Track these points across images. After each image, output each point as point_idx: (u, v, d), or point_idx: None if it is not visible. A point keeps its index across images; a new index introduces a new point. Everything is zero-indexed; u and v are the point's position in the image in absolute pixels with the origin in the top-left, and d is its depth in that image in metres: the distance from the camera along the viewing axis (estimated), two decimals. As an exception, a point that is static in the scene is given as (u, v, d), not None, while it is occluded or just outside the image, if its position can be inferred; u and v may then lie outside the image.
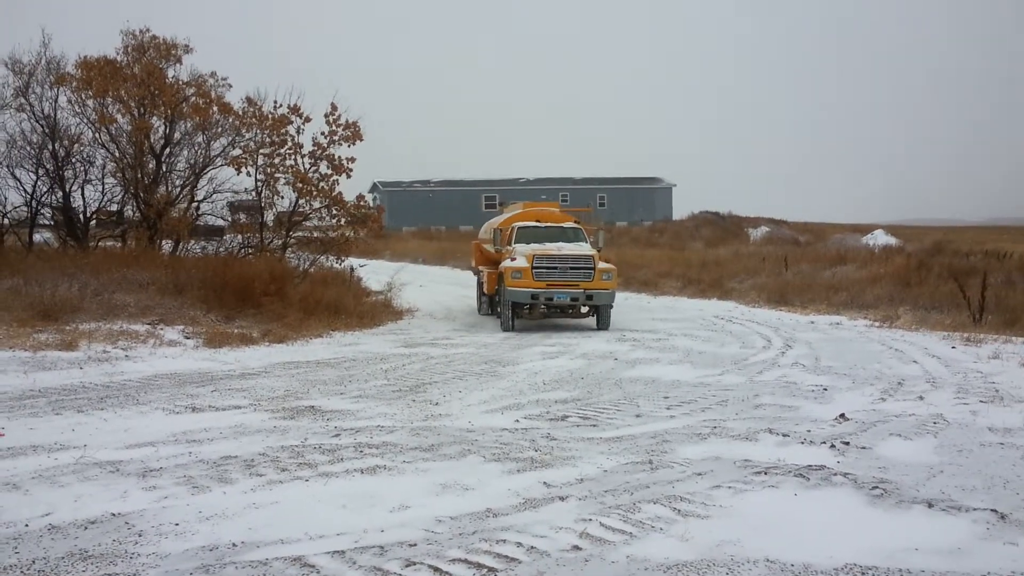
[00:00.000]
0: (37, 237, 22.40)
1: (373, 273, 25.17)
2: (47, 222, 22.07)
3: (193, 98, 20.31)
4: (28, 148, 20.71)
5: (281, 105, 20.72)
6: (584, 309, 18.40)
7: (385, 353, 13.87)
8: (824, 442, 7.78)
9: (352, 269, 22.36)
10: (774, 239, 48.11)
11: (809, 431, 8.29)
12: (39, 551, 4.89)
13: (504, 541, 5.25)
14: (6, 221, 21.54)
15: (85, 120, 19.92)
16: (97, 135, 19.88)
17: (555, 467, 6.98)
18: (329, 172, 21.33)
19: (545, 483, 6.51)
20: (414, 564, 4.87)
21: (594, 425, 8.70)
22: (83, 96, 19.39)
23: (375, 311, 19.90)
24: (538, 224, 19.43)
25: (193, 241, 21.83)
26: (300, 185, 20.92)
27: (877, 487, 6.31)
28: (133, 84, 19.41)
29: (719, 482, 6.57)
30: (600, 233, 19.44)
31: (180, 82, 20.46)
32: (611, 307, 18.14)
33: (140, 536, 5.19)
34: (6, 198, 21.35)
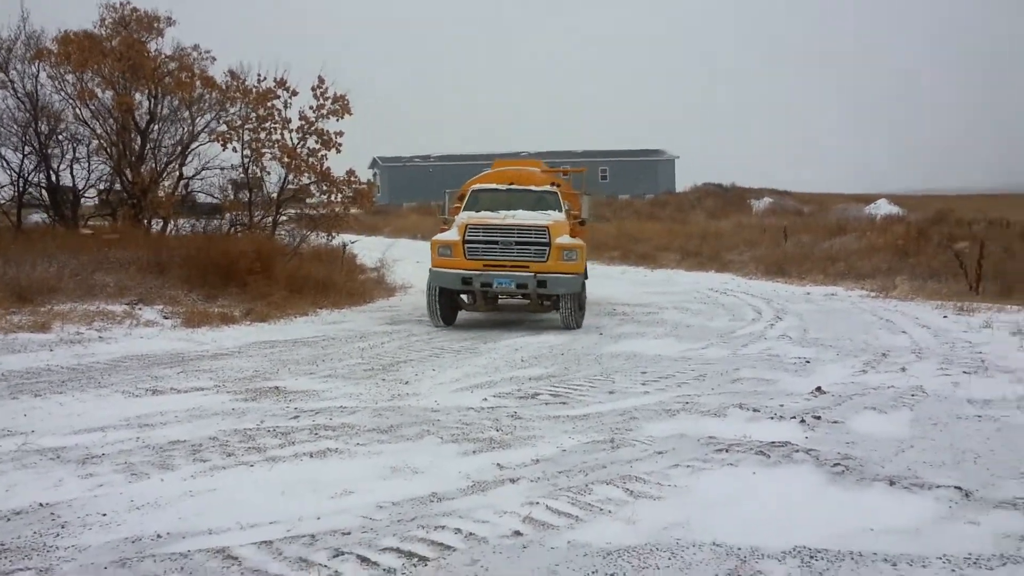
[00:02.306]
0: (35, 217, 22.22)
1: (368, 250, 24.94)
2: (35, 202, 21.83)
3: (175, 72, 19.98)
4: (13, 126, 20.47)
5: (265, 78, 20.41)
6: (545, 301, 14.26)
7: (367, 331, 13.66)
8: (795, 417, 7.55)
9: (345, 246, 22.12)
10: (777, 210, 47.66)
11: (782, 405, 8.06)
12: (-46, 545, 4.70)
13: (443, 528, 5.04)
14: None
15: (66, 96, 19.64)
16: (79, 112, 19.60)
17: (513, 448, 6.77)
18: (318, 147, 21.04)
19: (499, 464, 6.30)
20: (342, 554, 4.66)
21: (564, 403, 8.48)
22: (63, 71, 19.09)
23: (366, 288, 19.69)
24: (497, 187, 15.20)
25: (184, 220, 21.60)
26: (288, 160, 20.65)
27: (839, 464, 6.08)
28: (114, 58, 19.09)
29: (678, 461, 6.34)
30: (585, 199, 15.74)
31: (162, 56, 20.15)
32: (578, 296, 13.81)
33: (63, 528, 5.00)
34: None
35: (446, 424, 7.51)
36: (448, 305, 14.25)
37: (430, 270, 13.87)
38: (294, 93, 20.76)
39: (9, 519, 5.12)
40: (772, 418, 7.55)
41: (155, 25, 20.63)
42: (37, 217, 22.28)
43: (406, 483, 5.89)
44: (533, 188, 15.16)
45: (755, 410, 7.84)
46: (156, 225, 20.95)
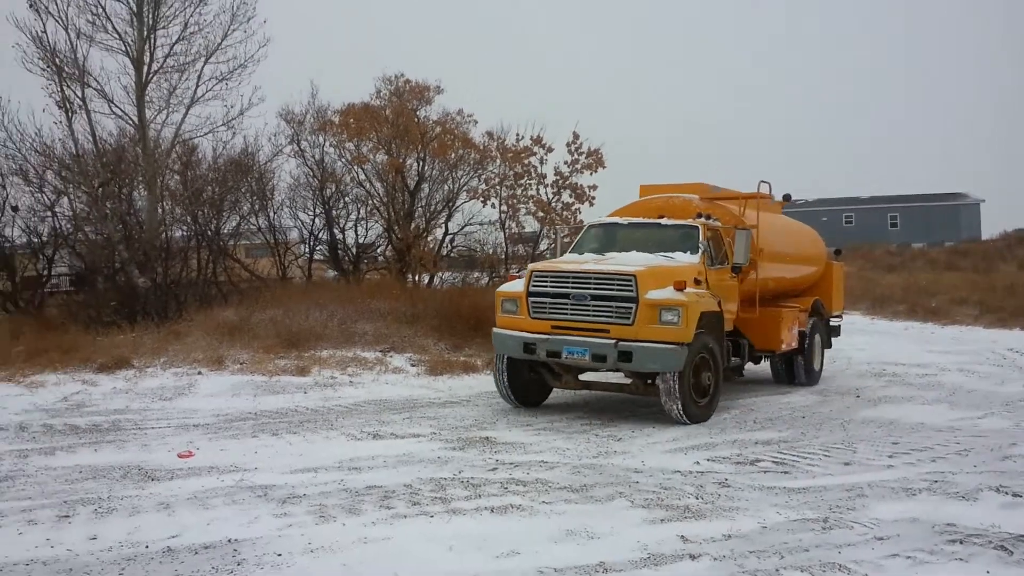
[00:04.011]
0: (331, 273, 24.58)
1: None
2: (320, 257, 24.08)
3: (440, 135, 21.24)
4: (306, 191, 22.84)
5: (522, 137, 21.11)
6: (649, 381, 10.20)
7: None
8: (1064, 507, 6.23)
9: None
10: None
11: (1054, 491, 6.70)
12: (142, 573, 5.04)
13: (598, 602, 4.63)
14: (291, 256, 23.82)
15: (345, 163, 21.55)
16: (355, 175, 21.43)
17: (708, 519, 6.18)
18: (572, 201, 21.35)
19: (683, 537, 5.75)
20: (483, 620, 4.41)
21: (785, 472, 7.68)
22: (343, 140, 20.99)
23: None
24: (617, 221, 11.70)
25: (448, 273, 22.78)
26: (542, 215, 21.13)
27: (1106, 572, 4.87)
28: (386, 126, 20.69)
29: (899, 550, 5.43)
30: (741, 236, 10.86)
31: (429, 121, 21.51)
32: (676, 374, 9.60)
33: (239, 565, 5.20)
34: (287, 236, 23.61)
35: (643, 487, 7.04)
36: (522, 378, 10.85)
37: (493, 330, 10.72)
38: (550, 149, 21.28)
39: (197, 552, 5.43)
40: (1035, 505, 6.29)
41: (425, 94, 22.10)
42: (331, 273, 24.57)
43: (577, 548, 5.54)
44: (664, 222, 11.22)
45: (1016, 495, 6.59)
46: (422, 278, 22.24)
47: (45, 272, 20.33)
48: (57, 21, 18.34)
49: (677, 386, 9.67)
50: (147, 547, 5.48)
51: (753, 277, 11.65)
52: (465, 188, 21.89)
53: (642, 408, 11.05)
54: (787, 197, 13.71)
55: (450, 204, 22.38)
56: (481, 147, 21.12)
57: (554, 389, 11.34)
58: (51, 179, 19.73)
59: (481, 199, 21.46)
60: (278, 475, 7.37)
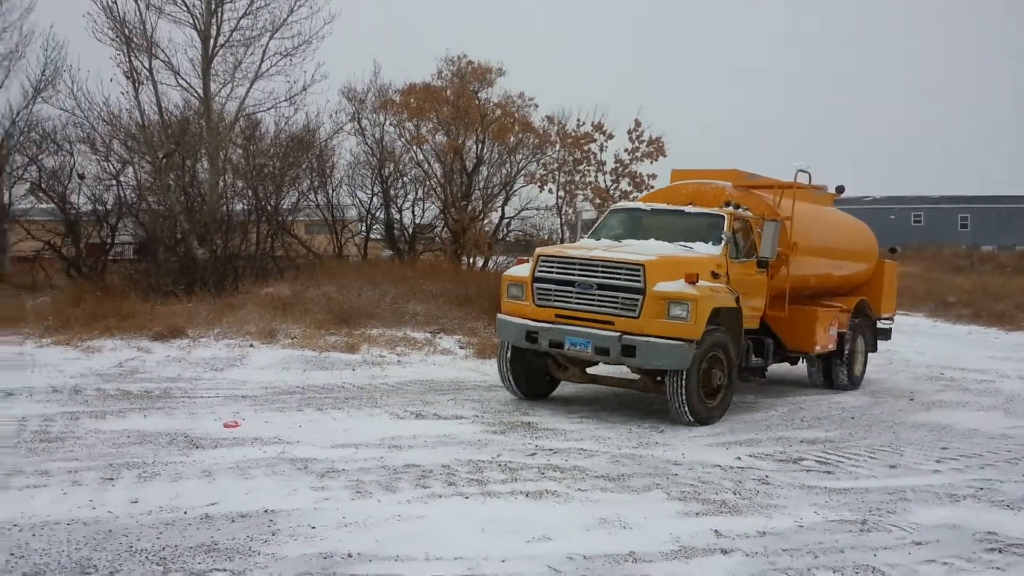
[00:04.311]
0: (387, 252, 24.82)
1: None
2: (376, 236, 24.30)
3: (500, 118, 21.22)
4: (365, 170, 23.05)
5: (584, 122, 21.00)
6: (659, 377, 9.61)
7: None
8: (1116, 523, 6.02)
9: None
10: None
11: (1107, 506, 6.48)
12: (178, 539, 5.17)
13: (624, 592, 4.62)
14: (348, 234, 24.08)
15: (405, 142, 21.68)
16: (414, 155, 21.55)
17: (743, 515, 6.11)
18: (630, 189, 21.18)
19: (717, 531, 5.70)
20: (507, 603, 4.43)
21: (828, 472, 7.55)
22: (402, 119, 21.10)
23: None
24: (641, 207, 11.06)
25: (503, 256, 22.81)
26: (599, 202, 21.00)
27: None
28: (447, 106, 20.74)
29: (936, 556, 5.32)
30: (770, 227, 10.13)
31: (490, 103, 21.50)
32: (684, 373, 9.03)
33: (273, 535, 5.30)
34: (344, 214, 23.87)
35: (681, 480, 6.99)
36: (528, 368, 10.31)
37: (498, 316, 10.27)
38: (610, 136, 21.11)
39: (234, 520, 5.55)
40: (1085, 519, 6.09)
41: (487, 76, 22.07)
42: (388, 251, 24.80)
43: (608, 537, 5.53)
44: (688, 210, 10.52)
45: (1065, 507, 6.38)
46: (477, 261, 22.30)
47: (108, 240, 20.91)
48: (127, -9, 18.74)
49: (684, 385, 9.07)
50: (185, 513, 5.62)
51: (784, 273, 10.90)
52: (523, 172, 21.88)
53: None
54: (840, 189, 13.20)
55: (507, 188, 22.40)
56: (541, 131, 21.07)
57: (562, 381, 10.68)
58: (117, 148, 20.29)
59: (539, 184, 21.43)
60: (319, 449, 7.48)
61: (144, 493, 5.96)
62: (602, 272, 9.29)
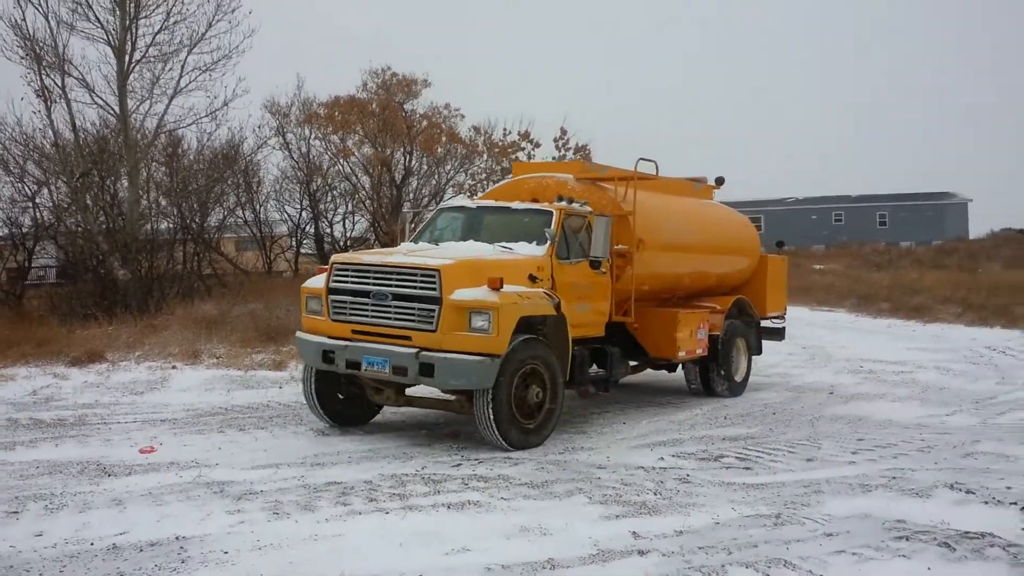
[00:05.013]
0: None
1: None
2: (307, 251, 24.07)
3: (427, 129, 21.24)
4: (293, 184, 22.83)
5: (511, 132, 21.15)
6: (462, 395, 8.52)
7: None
8: (1016, 503, 6.25)
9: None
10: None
11: (1009, 488, 6.73)
12: (83, 571, 5.02)
13: (540, 599, 4.63)
14: (278, 249, 23.80)
15: (331, 156, 21.54)
16: (341, 168, 21.42)
17: (662, 515, 6.19)
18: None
19: (635, 533, 5.76)
20: (422, 617, 4.41)
21: (747, 468, 7.69)
22: (328, 132, 20.98)
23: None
24: (466, 205, 10.25)
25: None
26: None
27: (1044, 569, 4.89)
28: (372, 119, 20.68)
29: (846, 547, 5.45)
30: (601, 224, 9.12)
31: (416, 114, 21.51)
32: (491, 392, 7.94)
33: (183, 563, 5.18)
34: (273, 229, 23.59)
35: (604, 483, 7.05)
36: (335, 391, 9.24)
37: (296, 335, 9.19)
38: (537, 144, 21.36)
39: (142, 550, 5.41)
40: (987, 503, 6.31)
41: (412, 88, 22.11)
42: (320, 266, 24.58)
43: (528, 545, 5.54)
44: (515, 206, 9.58)
45: (969, 491, 6.60)
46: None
47: (26, 264, 20.26)
48: (36, 8, 18.32)
49: (491, 406, 7.96)
50: (92, 544, 5.46)
51: (630, 273, 9.89)
52: (451, 183, 21.94)
53: (613, 404, 11.05)
54: (719, 180, 12.62)
55: (437, 199, 22.38)
56: (468, 142, 21.19)
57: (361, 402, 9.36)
58: (32, 169, 19.70)
59: (468, 194, 21.45)
60: (238, 471, 7.34)
61: (50, 525, 5.77)
62: (396, 280, 8.24)
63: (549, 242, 8.95)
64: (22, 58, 18.14)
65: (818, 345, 17.92)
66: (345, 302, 8.53)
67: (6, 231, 20.05)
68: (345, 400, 9.35)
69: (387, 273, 8.30)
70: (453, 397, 8.73)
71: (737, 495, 6.74)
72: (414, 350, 7.98)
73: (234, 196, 22.52)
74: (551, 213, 9.16)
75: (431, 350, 7.96)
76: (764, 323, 13.13)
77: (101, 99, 19.27)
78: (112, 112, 19.55)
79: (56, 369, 11.85)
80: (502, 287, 7.92)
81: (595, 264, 9.30)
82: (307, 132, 21.60)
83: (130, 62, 19.30)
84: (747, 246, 13.01)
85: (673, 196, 11.66)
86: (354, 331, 8.44)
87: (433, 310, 7.97)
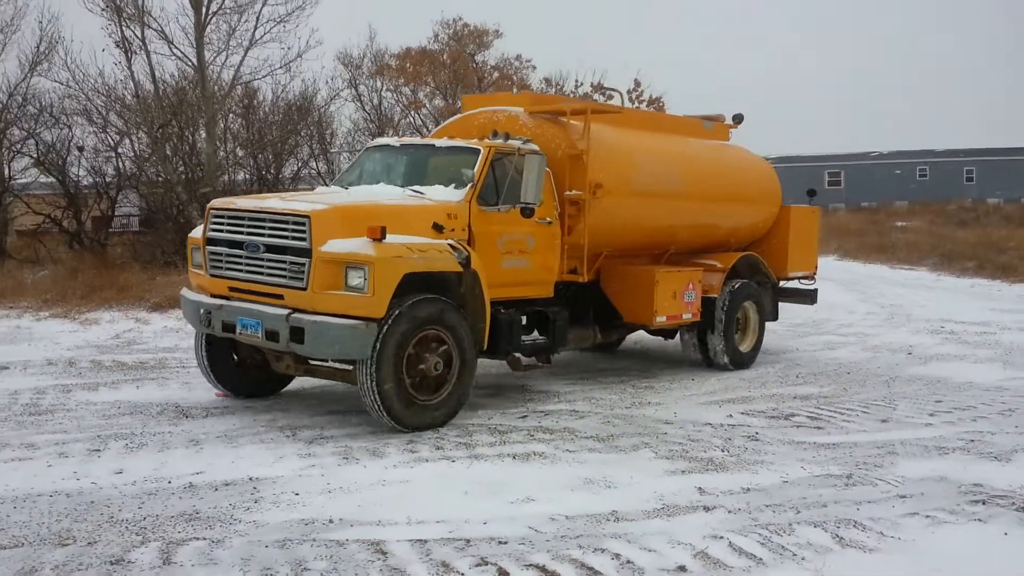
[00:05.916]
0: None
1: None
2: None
3: (497, 81, 21.06)
4: (365, 136, 22.94)
5: (583, 83, 20.84)
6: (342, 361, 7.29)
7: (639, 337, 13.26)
8: (1104, 472, 6.00)
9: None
10: None
11: (1098, 455, 6.46)
12: (160, 508, 5.20)
13: (603, 551, 4.64)
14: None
15: (402, 108, 21.57)
16: (412, 120, 21.43)
17: (729, 471, 6.12)
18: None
19: (701, 488, 5.71)
20: (485, 564, 4.46)
21: (819, 428, 7.54)
22: (399, 84, 20.98)
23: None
24: (390, 143, 8.82)
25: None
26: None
27: None
28: (443, 70, 20.59)
29: (919, 509, 5.31)
30: (533, 163, 7.61)
31: (487, 66, 21.33)
32: (372, 363, 6.65)
33: (255, 503, 5.33)
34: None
35: (670, 439, 6.99)
36: (229, 355, 8.02)
37: (181, 292, 8.11)
38: (609, 97, 20.88)
39: (217, 489, 5.58)
40: (1073, 469, 6.07)
41: (484, 38, 21.91)
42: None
43: (592, 497, 5.54)
44: (439, 143, 8.37)
45: (1053, 457, 6.36)
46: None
47: (110, 212, 20.92)
48: (117, -40, 18.56)
49: (374, 380, 6.68)
50: (169, 482, 5.65)
51: (582, 225, 8.45)
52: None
53: (681, 361, 10.93)
54: (738, 118, 11.31)
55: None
56: (540, 93, 20.91)
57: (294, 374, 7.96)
58: (114, 120, 20.21)
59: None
60: (310, 416, 7.51)
61: (130, 464, 6.00)
62: (269, 229, 6.99)
63: (469, 185, 7.68)
64: (103, 9, 18.52)
65: (897, 304, 17.41)
66: (221, 254, 7.36)
67: (91, 180, 20.70)
68: (247, 368, 8.11)
69: (260, 220, 7.08)
70: (351, 367, 7.14)
71: (807, 454, 6.62)
72: (286, 311, 6.78)
73: (308, 147, 22.79)
74: (479, 151, 7.85)
75: (303, 311, 6.75)
76: (789, 284, 11.62)
77: (179, 51, 19.60)
78: (190, 64, 19.87)
79: (138, 314, 12.24)
80: (384, 237, 6.62)
81: (527, 212, 7.82)
82: (379, 84, 21.69)
83: (207, 14, 19.52)
84: (763, 195, 11.18)
85: (664, 135, 10.12)
86: (231, 288, 7.33)
87: (303, 264, 6.72)
